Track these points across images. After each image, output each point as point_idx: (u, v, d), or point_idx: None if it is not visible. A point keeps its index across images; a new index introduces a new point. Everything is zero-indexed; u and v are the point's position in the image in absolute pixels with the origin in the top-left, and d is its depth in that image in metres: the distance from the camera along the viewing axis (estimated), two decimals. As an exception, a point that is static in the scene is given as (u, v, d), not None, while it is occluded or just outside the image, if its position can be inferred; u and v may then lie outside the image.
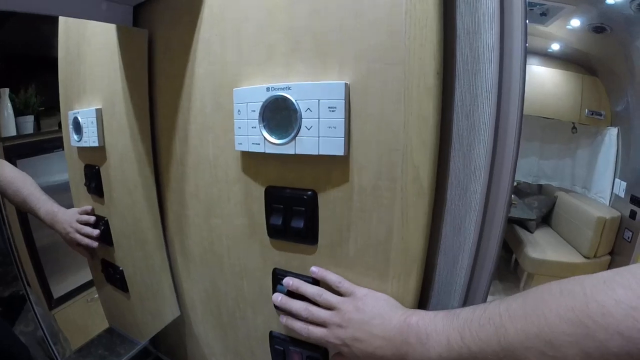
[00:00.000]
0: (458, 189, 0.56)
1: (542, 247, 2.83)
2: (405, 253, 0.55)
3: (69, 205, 0.73)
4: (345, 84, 0.53)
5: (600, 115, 2.92)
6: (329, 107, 0.53)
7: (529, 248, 2.82)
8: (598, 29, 2.57)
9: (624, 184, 2.71)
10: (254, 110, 0.57)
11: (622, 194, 2.71)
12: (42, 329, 0.67)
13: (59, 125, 0.71)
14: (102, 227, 0.79)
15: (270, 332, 0.74)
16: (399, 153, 0.52)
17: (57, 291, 0.73)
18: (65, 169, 0.76)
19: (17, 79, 0.63)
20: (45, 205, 0.67)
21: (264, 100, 0.57)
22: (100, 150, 0.76)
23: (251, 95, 0.59)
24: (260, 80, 0.60)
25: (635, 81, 2.52)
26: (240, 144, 0.61)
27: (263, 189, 0.64)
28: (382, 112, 0.53)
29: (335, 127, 0.52)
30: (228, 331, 0.84)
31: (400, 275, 0.57)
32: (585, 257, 2.71)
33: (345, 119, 0.53)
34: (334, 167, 0.56)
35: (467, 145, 0.55)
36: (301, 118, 0.54)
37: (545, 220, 3.27)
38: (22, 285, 0.65)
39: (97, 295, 0.85)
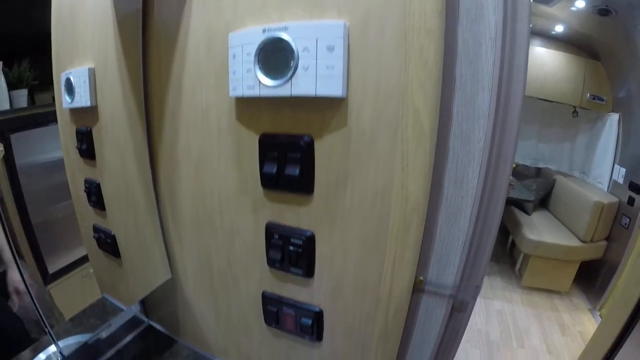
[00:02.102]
0: (460, 137, 0.53)
1: (539, 229, 2.83)
2: (405, 202, 0.53)
3: (63, 182, 0.73)
4: (345, 23, 0.50)
5: (602, 100, 2.90)
6: (327, 47, 0.50)
7: (526, 229, 2.81)
8: (603, 12, 2.52)
9: (623, 170, 2.71)
10: (249, 53, 0.54)
11: (621, 180, 2.71)
12: (33, 301, 0.65)
13: (53, 99, 0.70)
14: (95, 191, 0.78)
15: (263, 293, 0.72)
16: (399, 96, 0.49)
17: (53, 267, 0.73)
18: (60, 145, 0.75)
19: (11, 53, 0.62)
20: None
21: (259, 42, 0.53)
22: (92, 111, 0.74)
23: (246, 37, 0.55)
24: (256, 24, 0.57)
25: (638, 67, 2.49)
26: (235, 89, 0.58)
27: (257, 139, 0.61)
28: (381, 53, 0.50)
29: (333, 67, 0.50)
30: (219, 295, 0.82)
31: (399, 227, 0.55)
32: (581, 241, 2.71)
33: (344, 58, 0.50)
34: (331, 111, 0.54)
35: (470, 92, 0.52)
36: (298, 58, 0.51)
37: (543, 203, 3.26)
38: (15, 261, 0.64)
39: (92, 270, 0.84)
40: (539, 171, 3.55)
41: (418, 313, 0.66)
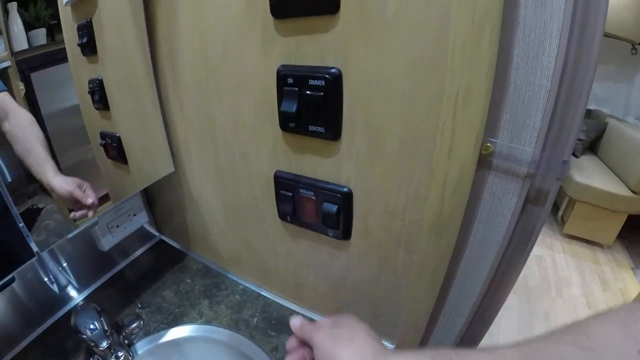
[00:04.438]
0: None
1: (587, 172, 2.54)
2: (473, 4, 0.33)
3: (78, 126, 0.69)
4: None
5: (666, 38, 2.49)
6: None
7: (574, 171, 2.53)
8: None
9: (684, 117, 2.34)
10: None
11: (680, 130, 2.35)
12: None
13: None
14: (98, 89, 0.70)
15: (276, 173, 0.54)
16: None
17: None
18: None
19: None
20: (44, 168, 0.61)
21: None
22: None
23: None
24: None
25: None
26: None
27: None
28: None
29: None
30: (228, 181, 0.66)
31: (466, 42, 0.36)
32: (632, 191, 2.41)
33: None
34: None
35: None
36: None
37: (592, 148, 2.94)
38: (37, 201, 0.61)
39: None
40: (589, 112, 3.15)
41: (481, 199, 0.48)
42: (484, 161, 0.45)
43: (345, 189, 0.49)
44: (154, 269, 0.85)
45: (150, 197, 0.87)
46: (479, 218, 0.49)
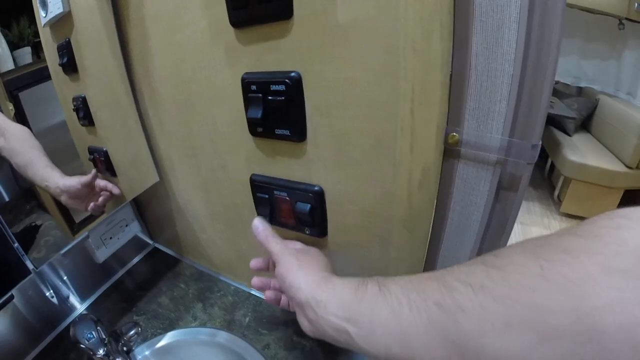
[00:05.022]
0: None
1: (581, 151, 2.53)
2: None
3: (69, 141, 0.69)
4: None
5: (653, 11, 2.45)
6: None
7: (567, 150, 2.52)
8: None
9: (674, 91, 2.31)
10: None
11: (671, 103, 2.32)
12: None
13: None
14: (82, 107, 0.69)
15: (251, 177, 0.54)
16: None
17: (79, 216, 0.71)
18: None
19: (6, 13, 0.58)
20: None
21: None
22: (67, 18, 0.65)
23: None
24: None
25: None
26: None
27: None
28: None
29: None
30: (211, 190, 0.67)
31: (415, 40, 0.36)
32: (627, 166, 2.40)
33: None
34: None
35: None
36: None
37: (585, 126, 2.92)
38: (34, 218, 0.62)
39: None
40: (580, 91, 3.12)
41: (453, 189, 0.48)
42: (452, 151, 0.45)
43: (316, 188, 0.49)
44: (149, 276, 0.86)
45: (141, 207, 0.88)
46: (453, 207, 0.49)
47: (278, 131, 0.47)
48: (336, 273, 0.59)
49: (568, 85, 3.04)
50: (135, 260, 0.91)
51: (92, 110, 0.70)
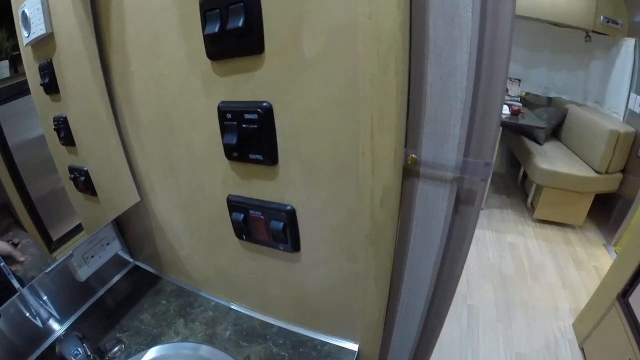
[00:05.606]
0: None
1: (552, 159, 2.61)
2: (376, 40, 0.38)
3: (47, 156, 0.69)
4: None
5: (617, 24, 2.58)
6: None
7: (538, 159, 2.60)
8: None
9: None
10: None
11: (637, 110, 2.44)
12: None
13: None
14: (63, 127, 0.70)
15: (228, 197, 0.57)
16: None
17: (56, 234, 0.70)
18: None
19: None
20: None
21: None
22: (49, 39, 0.66)
23: None
24: None
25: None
26: None
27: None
28: None
29: None
30: (189, 209, 0.70)
31: (373, 76, 0.40)
32: (596, 171, 2.49)
33: None
34: None
35: None
36: None
37: (555, 134, 3.02)
38: (11, 236, 0.62)
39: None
40: (550, 101, 3.23)
41: (414, 206, 0.51)
42: (412, 171, 0.49)
43: (288, 207, 0.52)
44: (131, 294, 0.86)
45: (122, 225, 0.89)
46: (416, 222, 0.53)
47: (252, 156, 0.50)
48: (310, 287, 0.62)
49: (538, 96, 3.15)
50: (117, 278, 0.91)
51: (72, 130, 0.71)
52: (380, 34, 0.38)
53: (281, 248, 0.56)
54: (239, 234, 0.60)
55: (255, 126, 0.47)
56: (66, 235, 0.72)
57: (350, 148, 0.45)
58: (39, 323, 0.73)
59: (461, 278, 2.06)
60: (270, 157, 0.49)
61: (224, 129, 0.51)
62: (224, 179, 0.58)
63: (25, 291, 0.71)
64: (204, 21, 0.46)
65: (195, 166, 0.61)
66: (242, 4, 0.42)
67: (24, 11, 0.62)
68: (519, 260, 2.39)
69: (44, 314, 0.75)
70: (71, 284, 0.78)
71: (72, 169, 0.74)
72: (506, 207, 2.99)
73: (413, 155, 0.47)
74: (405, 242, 0.54)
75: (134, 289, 0.88)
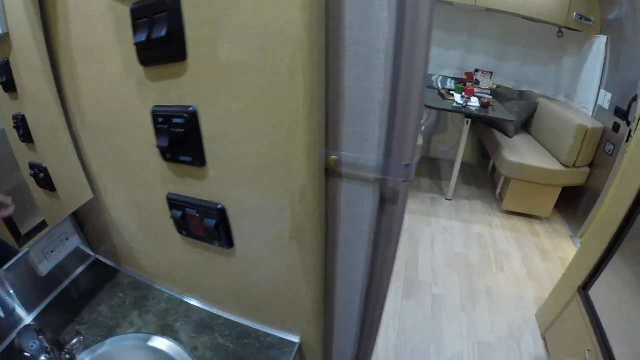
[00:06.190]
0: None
1: (521, 152, 2.67)
2: (283, 43, 0.40)
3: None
4: None
5: (590, 21, 2.62)
6: None
7: (507, 151, 2.65)
8: None
9: (609, 95, 2.48)
10: None
11: (606, 106, 2.50)
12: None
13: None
14: (21, 125, 0.70)
15: (167, 195, 0.58)
16: None
17: (25, 228, 0.71)
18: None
19: None
20: None
21: None
22: (5, 39, 0.65)
23: None
24: None
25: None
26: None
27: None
28: None
29: None
30: (137, 206, 0.72)
31: (284, 78, 0.42)
32: (564, 165, 2.55)
33: None
34: None
35: None
36: None
37: (525, 127, 3.08)
38: None
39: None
40: (522, 94, 3.27)
41: (339, 204, 0.53)
42: (335, 171, 0.51)
43: (219, 206, 0.54)
44: (90, 287, 0.88)
45: (81, 221, 0.90)
46: (343, 219, 0.55)
47: (182, 158, 0.53)
48: (249, 280, 0.64)
49: (510, 89, 3.20)
50: (78, 271, 0.92)
51: (31, 128, 0.71)
52: (286, 40, 0.39)
53: (217, 244, 0.59)
54: (179, 230, 0.63)
55: (183, 130, 0.49)
56: (35, 229, 0.73)
57: (270, 150, 0.47)
58: (2, 316, 0.74)
59: (427, 267, 2.11)
60: (198, 158, 0.52)
61: (157, 132, 0.53)
62: (162, 178, 0.60)
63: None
64: (135, 29, 0.47)
65: (138, 166, 0.63)
66: (165, 13, 0.43)
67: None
68: (485, 249, 2.43)
69: (8, 309, 0.76)
70: (33, 279, 0.80)
71: (32, 165, 0.75)
72: (475, 198, 3.04)
73: (333, 157, 0.49)
74: (335, 239, 0.57)
75: (94, 282, 0.89)
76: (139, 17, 0.46)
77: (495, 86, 3.09)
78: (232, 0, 0.40)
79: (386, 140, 0.48)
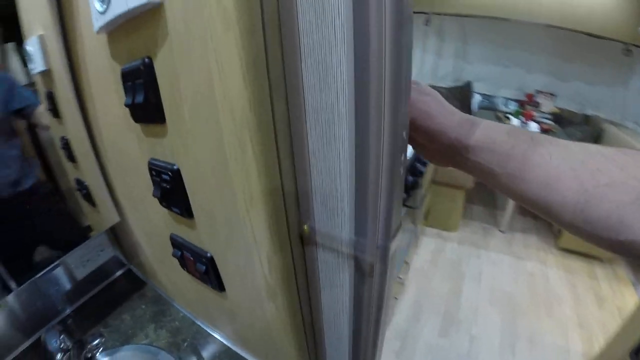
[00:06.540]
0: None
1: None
2: (231, 115, 0.39)
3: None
4: None
5: (662, 37, 2.30)
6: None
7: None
8: None
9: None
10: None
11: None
12: None
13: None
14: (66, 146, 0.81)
15: (170, 235, 0.64)
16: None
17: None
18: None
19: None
20: None
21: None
22: (48, 74, 0.74)
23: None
24: None
25: None
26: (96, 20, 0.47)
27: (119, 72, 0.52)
28: None
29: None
30: (152, 239, 0.77)
31: (235, 148, 0.41)
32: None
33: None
34: (153, 23, 0.42)
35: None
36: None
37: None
38: None
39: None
40: (587, 118, 2.91)
41: (318, 272, 0.54)
42: (310, 239, 0.51)
43: (208, 255, 0.58)
44: (122, 294, 0.96)
45: (116, 233, 0.98)
46: (322, 284, 0.54)
47: (174, 209, 0.56)
48: (241, 322, 0.67)
49: (574, 112, 2.91)
50: (113, 277, 1.01)
51: (73, 150, 0.82)
52: (235, 115, 0.38)
53: (210, 286, 0.63)
54: (182, 266, 0.67)
55: (169, 186, 0.53)
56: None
57: (236, 216, 0.47)
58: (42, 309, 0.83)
59: (469, 304, 1.89)
60: (185, 211, 0.55)
61: (153, 183, 0.57)
62: (165, 219, 0.64)
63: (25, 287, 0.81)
64: (125, 91, 0.51)
65: (146, 206, 0.68)
66: (142, 80, 0.46)
67: (27, 48, 0.71)
68: (534, 290, 2.21)
69: (47, 304, 0.85)
70: (70, 282, 0.89)
71: (77, 182, 0.85)
72: (530, 231, 2.80)
73: (305, 226, 0.49)
74: (317, 302, 0.55)
75: (125, 290, 0.97)
76: (126, 81, 0.50)
77: (557, 109, 2.86)
78: (190, 69, 0.41)
79: (356, 217, 0.43)
